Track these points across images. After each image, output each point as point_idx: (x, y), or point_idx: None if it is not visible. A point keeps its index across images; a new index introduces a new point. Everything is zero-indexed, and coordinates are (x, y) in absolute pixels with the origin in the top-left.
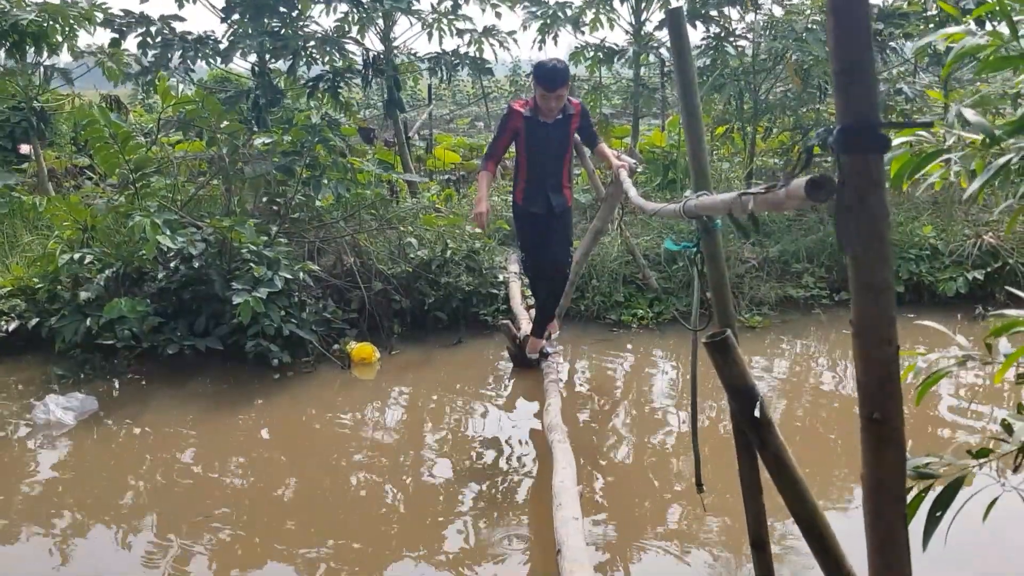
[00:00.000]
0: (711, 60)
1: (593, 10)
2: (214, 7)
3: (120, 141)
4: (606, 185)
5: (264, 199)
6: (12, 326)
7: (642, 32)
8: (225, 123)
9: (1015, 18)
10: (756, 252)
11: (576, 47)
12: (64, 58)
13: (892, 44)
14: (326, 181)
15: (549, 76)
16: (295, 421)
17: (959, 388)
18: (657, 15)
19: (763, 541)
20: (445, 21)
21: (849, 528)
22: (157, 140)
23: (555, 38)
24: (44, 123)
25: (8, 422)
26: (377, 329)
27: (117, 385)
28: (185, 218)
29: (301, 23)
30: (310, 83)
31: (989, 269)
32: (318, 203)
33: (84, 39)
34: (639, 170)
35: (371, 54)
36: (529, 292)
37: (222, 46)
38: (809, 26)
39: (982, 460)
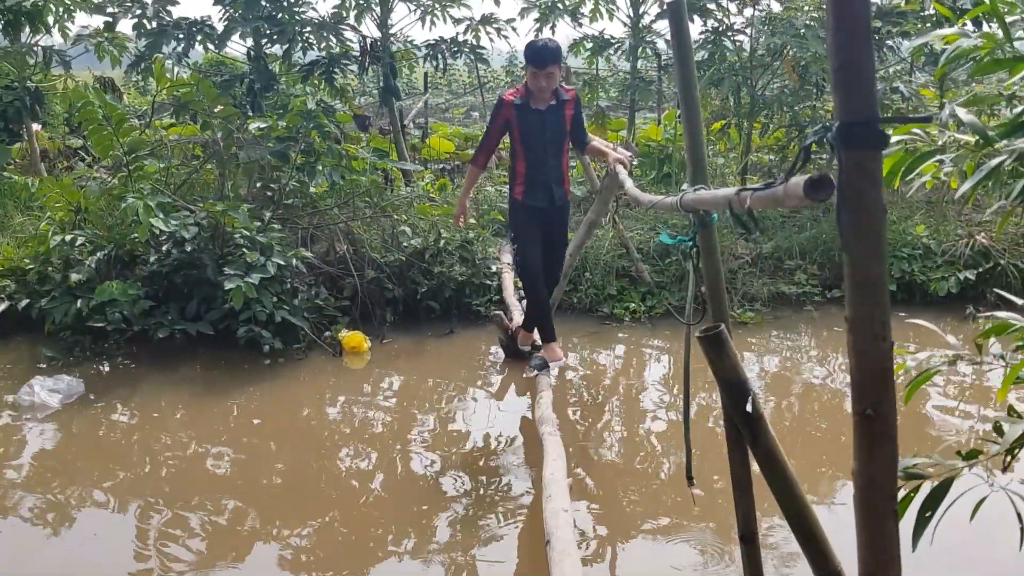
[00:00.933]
0: (709, 54)
1: (592, 1)
2: None
3: (114, 123)
4: (601, 178)
5: (258, 184)
6: (2, 307)
7: (640, 24)
8: (220, 107)
9: (1008, 19)
10: (749, 248)
11: (574, 39)
12: (59, 38)
13: (889, 43)
14: (321, 167)
15: (539, 52)
16: (285, 408)
17: (948, 388)
18: (655, 8)
19: (752, 535)
20: (441, 8)
21: (837, 524)
22: (151, 123)
23: (552, 28)
24: (38, 103)
25: None
26: (369, 317)
27: (107, 368)
28: (178, 202)
29: (298, 8)
30: (305, 68)
31: (981, 269)
32: (312, 189)
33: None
34: (634, 163)
35: (368, 40)
36: (521, 283)
37: (217, 31)
38: (808, 23)
39: (971, 461)
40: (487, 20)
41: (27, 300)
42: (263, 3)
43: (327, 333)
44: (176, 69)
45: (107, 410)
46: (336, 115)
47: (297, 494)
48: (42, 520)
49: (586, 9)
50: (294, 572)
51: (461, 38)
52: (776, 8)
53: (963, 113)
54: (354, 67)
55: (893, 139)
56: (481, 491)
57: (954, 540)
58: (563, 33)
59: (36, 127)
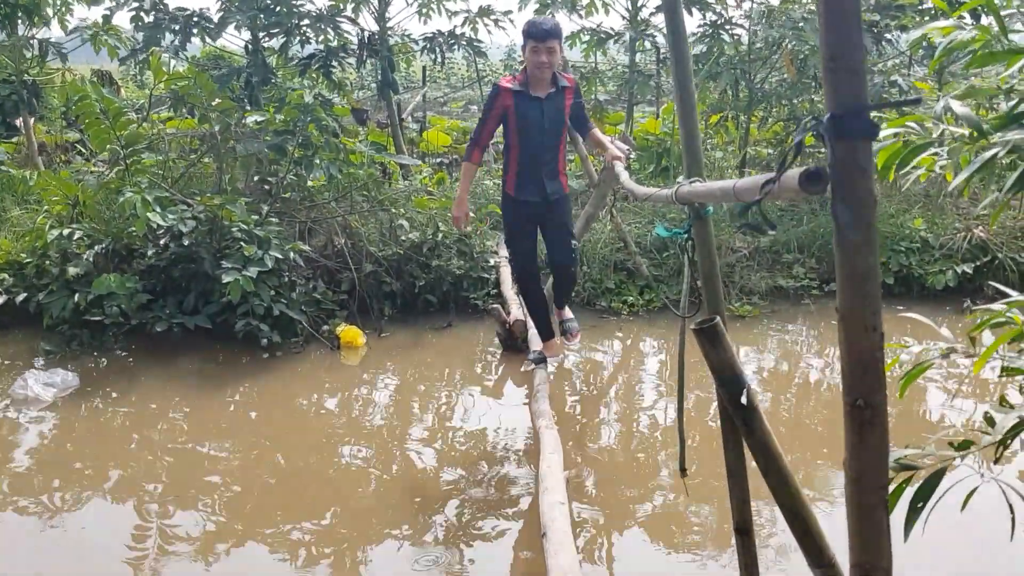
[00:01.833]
0: (707, 48)
1: None
2: None
3: (111, 117)
4: (598, 171)
5: (255, 178)
6: (0, 300)
7: (638, 18)
8: (217, 101)
9: (1004, 13)
10: (747, 242)
11: (572, 32)
12: (56, 32)
13: (888, 36)
14: (318, 161)
15: (538, 24)
16: (283, 401)
17: (943, 381)
18: (654, 0)
19: (747, 526)
20: (438, 1)
21: (832, 515)
22: (148, 116)
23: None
24: (35, 97)
25: None
26: (367, 311)
27: (105, 361)
28: (176, 195)
29: (295, 1)
30: (302, 62)
31: (978, 263)
32: (310, 183)
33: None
34: (632, 157)
35: (365, 34)
36: (516, 282)
37: (214, 23)
38: (805, 15)
39: (964, 452)
40: (484, 12)
41: (25, 294)
42: None
43: (325, 327)
44: (173, 63)
45: (102, 403)
46: (334, 109)
47: (295, 487)
48: (33, 514)
49: (584, 1)
50: (292, 564)
51: (458, 31)
52: (774, 1)
53: (957, 106)
54: (352, 60)
55: (887, 131)
56: (478, 484)
57: (946, 530)
58: (561, 24)
59: (33, 121)
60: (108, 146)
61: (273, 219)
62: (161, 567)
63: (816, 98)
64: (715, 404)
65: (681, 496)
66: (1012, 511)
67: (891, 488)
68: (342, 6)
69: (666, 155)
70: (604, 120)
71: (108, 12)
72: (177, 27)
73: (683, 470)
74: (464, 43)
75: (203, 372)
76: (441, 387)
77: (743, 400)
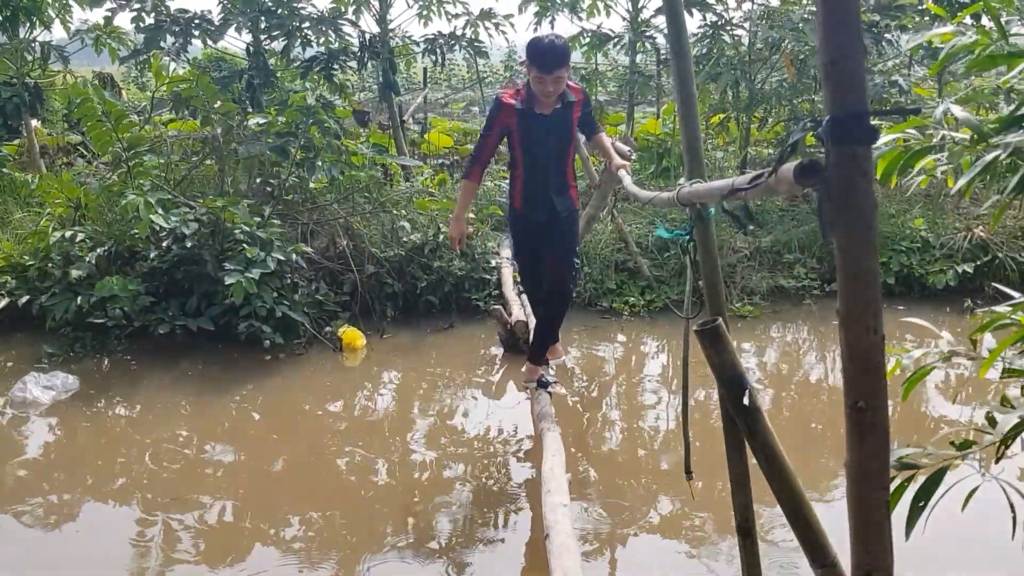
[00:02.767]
0: (707, 49)
1: None
2: None
3: (113, 119)
4: (600, 172)
5: (258, 180)
6: (2, 303)
7: (639, 19)
8: (219, 103)
9: (1004, 18)
10: (748, 242)
11: (572, 34)
12: (58, 34)
13: (888, 37)
14: (320, 163)
15: (545, 54)
16: (286, 403)
17: (944, 383)
18: (654, 2)
19: (749, 527)
20: (438, 3)
21: (833, 515)
22: (150, 119)
23: (552, 22)
24: (37, 100)
25: None
26: (369, 312)
27: (107, 364)
28: (178, 198)
29: (296, 3)
30: (304, 65)
31: (979, 262)
32: (312, 185)
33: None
34: (633, 157)
35: (367, 36)
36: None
37: (215, 25)
38: (805, 16)
39: (965, 452)
40: (485, 15)
41: (27, 296)
42: None
43: (327, 328)
44: (173, 65)
45: (102, 406)
46: (335, 111)
47: (298, 489)
48: (34, 517)
49: (585, 3)
50: (295, 566)
51: (459, 32)
52: (774, 2)
53: (958, 110)
54: (353, 63)
55: (888, 137)
56: (480, 485)
57: (947, 530)
58: (562, 27)
59: (35, 123)
60: (110, 148)
61: (275, 221)
62: (164, 570)
63: (816, 98)
64: (717, 405)
65: (684, 497)
66: (1013, 511)
67: (892, 487)
68: (343, 9)
69: (667, 155)
70: (605, 121)
71: (109, 14)
72: (178, 29)
73: (688, 472)
74: (465, 44)
75: (206, 374)
76: (443, 388)
77: (745, 401)
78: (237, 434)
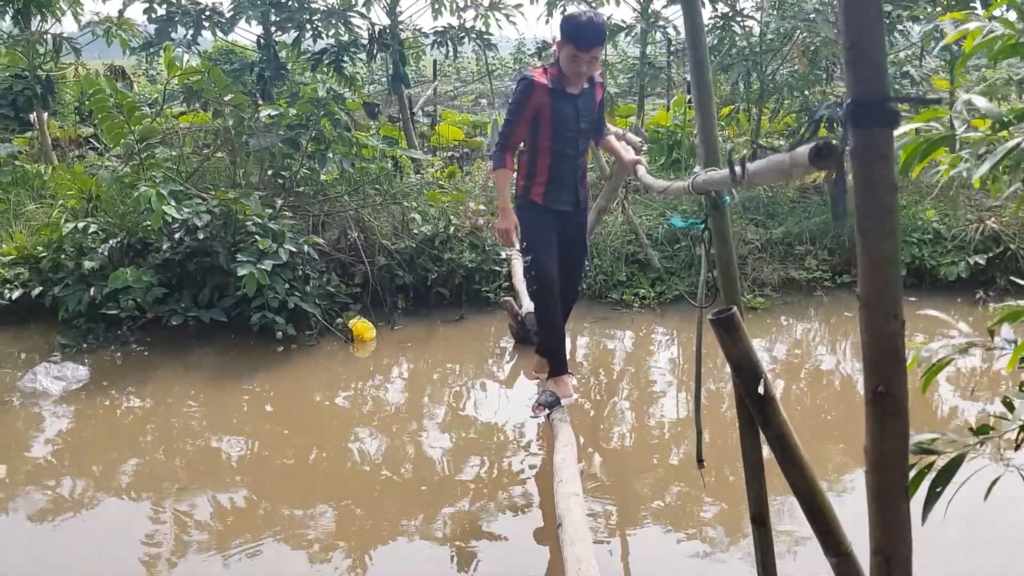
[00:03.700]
0: (718, 40)
1: None
2: None
3: (125, 111)
4: (610, 163)
5: (269, 172)
6: (16, 294)
7: (649, 10)
8: (231, 95)
9: None
10: (759, 234)
11: None
12: (69, 26)
13: (899, 27)
14: (331, 155)
15: (583, 30)
16: (297, 394)
17: (960, 372)
18: None
19: (764, 517)
20: None
21: (848, 504)
22: (162, 111)
23: (563, 12)
24: (49, 92)
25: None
26: (380, 304)
27: (120, 355)
28: (190, 190)
29: None
30: (314, 57)
31: (991, 254)
32: (323, 177)
33: (89, 6)
34: (644, 149)
35: (376, 28)
36: (535, 303)
37: (225, 17)
38: (817, 6)
39: (983, 436)
40: (495, 6)
41: (40, 288)
42: None
43: (339, 320)
44: (186, 57)
45: (114, 397)
46: (346, 103)
47: (309, 479)
48: (45, 508)
49: None
50: (307, 556)
51: (468, 24)
52: None
53: (980, 101)
54: (363, 55)
55: (906, 127)
56: (492, 476)
57: (964, 516)
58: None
59: (47, 116)
60: (122, 140)
61: (287, 213)
62: (177, 559)
63: (828, 89)
64: (730, 395)
65: (697, 487)
66: None
67: (911, 474)
68: (353, 1)
69: (677, 147)
70: (615, 112)
71: (122, 5)
72: (189, 20)
73: (700, 461)
74: (474, 36)
75: (218, 365)
76: (453, 380)
77: (760, 390)
78: (248, 424)
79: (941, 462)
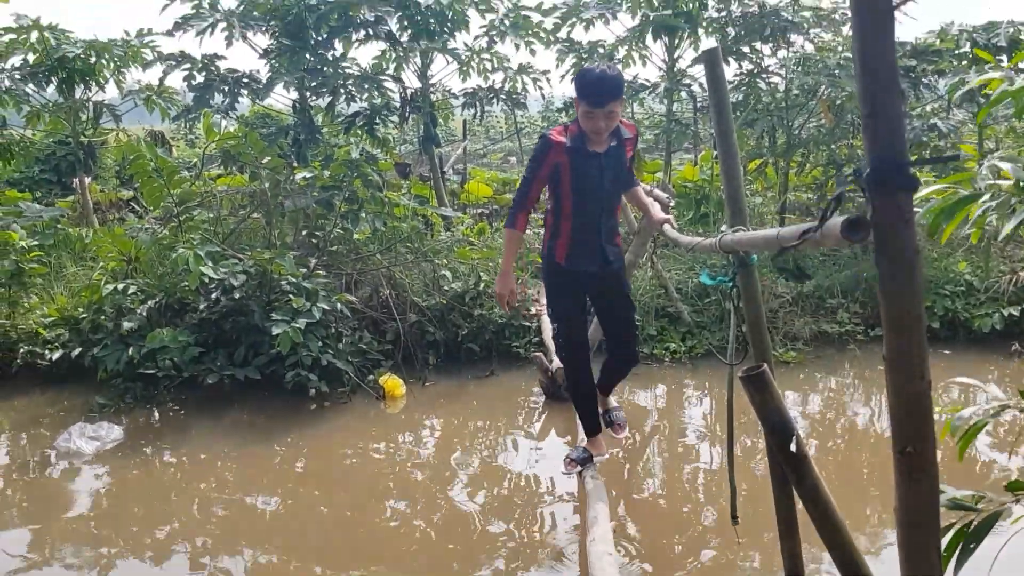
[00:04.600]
0: (743, 96)
1: (626, 47)
2: (256, 47)
3: (165, 175)
4: (638, 218)
5: (304, 232)
6: (56, 355)
7: (675, 69)
8: (267, 159)
9: None
10: (790, 287)
11: None
12: (111, 93)
13: (925, 81)
14: (364, 215)
15: (595, 85)
16: (331, 451)
17: (991, 431)
18: (690, 52)
19: (798, 574)
20: (478, 59)
21: (884, 562)
22: (200, 174)
23: None
24: (91, 157)
25: (36, 451)
26: (412, 360)
27: (156, 414)
28: (227, 250)
29: (341, 63)
30: (347, 120)
31: None
32: (355, 236)
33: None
34: (672, 204)
35: (408, 91)
36: (564, 366)
37: (262, 83)
38: (840, 62)
39: (1019, 493)
40: (524, 70)
41: (80, 348)
42: (307, 56)
43: (371, 376)
44: (224, 122)
45: (148, 455)
46: (378, 164)
47: (341, 537)
48: (77, 567)
49: (620, 54)
50: None
51: (497, 86)
52: (809, 48)
53: (1006, 165)
54: (395, 117)
55: (931, 188)
56: (523, 534)
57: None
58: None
59: (88, 180)
60: (162, 204)
61: (320, 272)
62: None
63: (855, 143)
64: (763, 450)
65: (731, 543)
66: None
67: (950, 533)
68: (385, 65)
69: (705, 202)
70: (642, 168)
71: (163, 74)
72: (227, 88)
73: (734, 518)
74: (503, 97)
75: (252, 423)
76: (485, 436)
77: (792, 448)
78: (281, 483)
79: (976, 519)
